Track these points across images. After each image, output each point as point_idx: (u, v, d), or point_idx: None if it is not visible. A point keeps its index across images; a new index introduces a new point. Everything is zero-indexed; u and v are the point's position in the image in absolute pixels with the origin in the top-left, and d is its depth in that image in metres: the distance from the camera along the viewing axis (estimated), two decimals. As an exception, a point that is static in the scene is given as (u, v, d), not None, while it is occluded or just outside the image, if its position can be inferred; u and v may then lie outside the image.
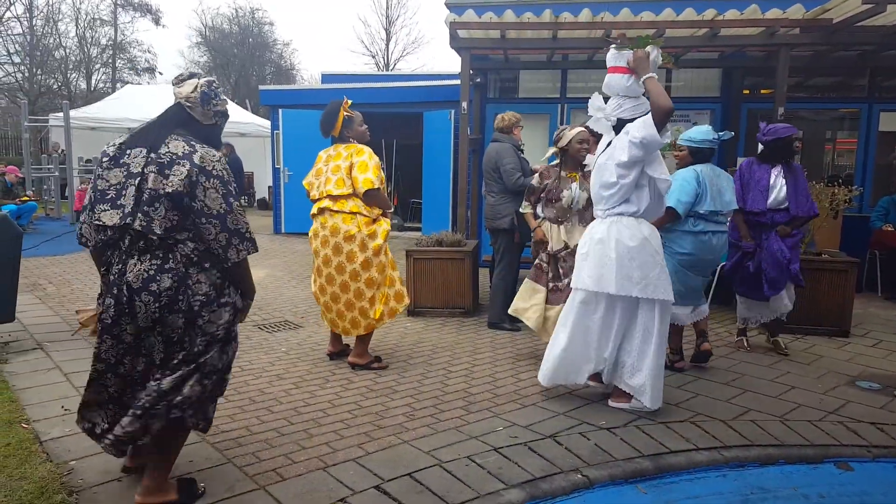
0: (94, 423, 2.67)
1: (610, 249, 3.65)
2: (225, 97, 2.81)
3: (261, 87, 13.86)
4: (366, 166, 4.28)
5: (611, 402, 3.91)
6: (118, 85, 30.27)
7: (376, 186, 4.28)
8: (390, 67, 32.25)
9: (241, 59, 34.82)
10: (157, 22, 33.53)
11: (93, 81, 31.87)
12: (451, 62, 54.88)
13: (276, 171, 12.22)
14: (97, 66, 32.23)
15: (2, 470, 2.92)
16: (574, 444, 3.36)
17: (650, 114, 3.49)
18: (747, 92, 8.51)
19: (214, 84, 2.73)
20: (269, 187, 15.56)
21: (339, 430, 3.48)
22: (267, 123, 17.48)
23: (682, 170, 4.65)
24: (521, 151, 5.74)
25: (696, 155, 4.64)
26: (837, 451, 3.42)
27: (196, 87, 2.68)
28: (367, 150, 4.41)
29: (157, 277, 2.46)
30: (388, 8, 32.80)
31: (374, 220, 4.39)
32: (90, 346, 4.87)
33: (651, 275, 3.64)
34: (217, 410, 3.64)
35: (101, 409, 2.66)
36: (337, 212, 4.30)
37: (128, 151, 2.54)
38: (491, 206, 5.69)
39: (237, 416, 3.65)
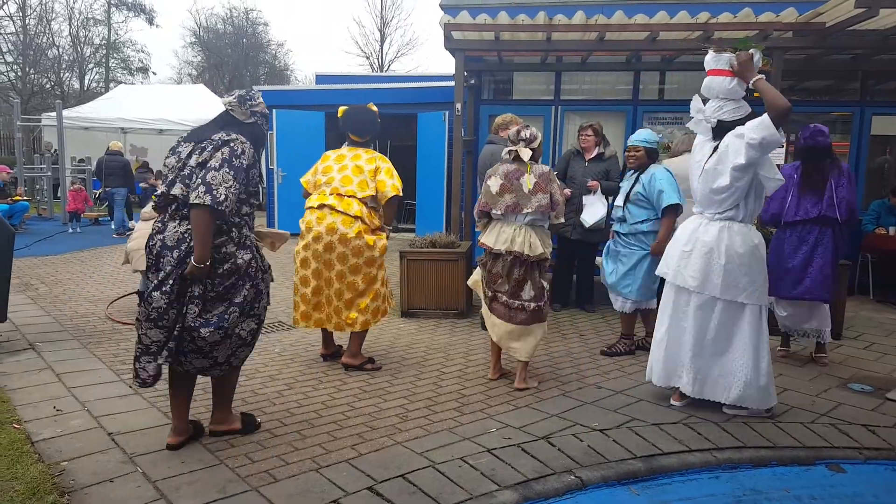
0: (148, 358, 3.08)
1: (720, 256, 3.68)
2: (262, 100, 3.30)
3: (255, 88, 13.84)
4: (392, 173, 4.42)
5: (674, 401, 4.00)
6: (111, 85, 30.19)
7: (401, 195, 4.43)
8: (385, 69, 32.25)
9: (235, 59, 34.76)
10: (150, 22, 33.47)
11: (86, 81, 31.79)
12: (445, 64, 54.94)
13: (269, 172, 12.21)
14: (90, 65, 32.16)
15: (-8, 471, 2.90)
16: (567, 445, 3.37)
17: (766, 114, 3.48)
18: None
19: (252, 91, 3.30)
20: (263, 188, 15.55)
21: (332, 431, 3.47)
22: (260, 124, 17.49)
23: (659, 169, 4.85)
24: None
25: (651, 155, 4.92)
26: (829, 453, 3.43)
27: (236, 94, 3.26)
28: (388, 159, 4.52)
29: (186, 239, 2.97)
30: (382, 9, 32.83)
31: (374, 231, 4.39)
32: (82, 347, 4.87)
33: (758, 281, 3.73)
34: (208, 411, 3.65)
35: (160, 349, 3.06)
36: (340, 212, 4.28)
37: (183, 144, 3.16)
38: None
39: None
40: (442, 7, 8.41)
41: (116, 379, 4.22)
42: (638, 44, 7.01)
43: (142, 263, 5.90)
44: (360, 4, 62.77)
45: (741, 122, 3.66)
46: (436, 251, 6.15)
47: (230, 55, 34.70)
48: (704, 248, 3.73)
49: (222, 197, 2.91)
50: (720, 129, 3.73)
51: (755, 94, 3.64)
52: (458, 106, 6.81)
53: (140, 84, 30.56)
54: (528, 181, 4.10)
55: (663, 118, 8.73)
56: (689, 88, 8.76)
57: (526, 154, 4.15)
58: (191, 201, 2.90)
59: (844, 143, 8.52)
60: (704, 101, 3.87)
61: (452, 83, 7.19)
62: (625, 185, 5.09)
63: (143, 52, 33.96)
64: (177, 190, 2.99)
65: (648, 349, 5.05)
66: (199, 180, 2.92)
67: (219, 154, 2.99)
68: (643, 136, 4.95)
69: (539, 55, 8.02)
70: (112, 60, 32.90)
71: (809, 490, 3.15)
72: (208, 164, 2.96)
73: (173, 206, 3.05)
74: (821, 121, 9.04)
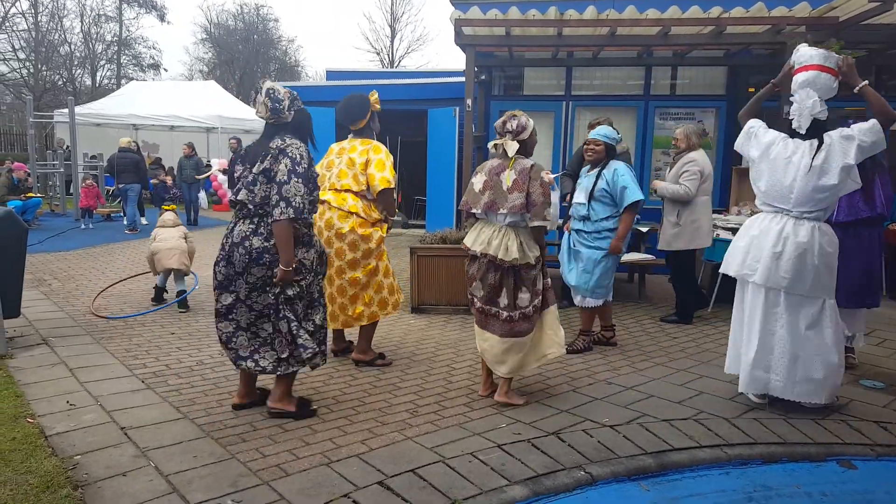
0: (236, 350, 3.52)
1: (813, 256, 3.69)
2: (284, 91, 3.46)
3: (266, 83, 13.87)
4: (383, 164, 4.29)
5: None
6: (123, 81, 30.36)
7: (392, 186, 4.31)
8: (395, 64, 32.27)
9: (246, 55, 34.89)
10: (162, 18, 33.66)
11: (97, 78, 31.99)
12: (455, 59, 54.79)
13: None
14: (102, 62, 32.36)
15: (7, 464, 2.94)
16: (577, 441, 3.37)
17: (875, 119, 3.60)
18: (752, 90, 8.48)
19: (273, 92, 3.40)
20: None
21: (343, 426, 3.49)
22: (271, 120, 17.51)
23: (620, 165, 4.90)
24: None
25: (610, 152, 4.97)
26: (841, 450, 3.42)
27: (268, 105, 3.38)
28: (383, 148, 4.42)
29: (250, 238, 3.31)
30: (392, 4, 32.88)
31: (373, 224, 4.34)
32: (95, 342, 4.92)
33: (834, 280, 3.79)
34: (220, 406, 3.70)
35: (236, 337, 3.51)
36: (335, 208, 4.27)
37: (243, 159, 3.49)
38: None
39: (241, 412, 3.66)
40: (452, 2, 8.41)
41: (129, 374, 4.26)
42: (649, 39, 6.97)
43: (167, 263, 6.04)
44: (371, 0, 62.83)
45: (828, 122, 3.74)
46: (446, 247, 6.15)
47: (241, 51, 34.83)
48: (798, 248, 3.70)
49: (301, 206, 3.25)
50: (813, 127, 3.73)
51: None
52: (469, 102, 6.80)
53: (151, 81, 30.71)
54: (507, 178, 3.74)
55: (675, 113, 8.69)
56: (701, 83, 8.73)
57: (512, 148, 3.75)
58: (274, 218, 3.23)
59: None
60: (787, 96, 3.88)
61: (463, 79, 7.19)
62: (585, 182, 5.00)
63: (154, 48, 34.34)
64: (242, 195, 3.35)
65: (606, 343, 5.17)
66: (276, 196, 3.24)
67: (282, 166, 3.26)
68: (604, 132, 5.00)
69: (550, 50, 8.00)
70: (123, 57, 33.11)
71: (820, 486, 3.13)
72: (277, 179, 3.25)
73: (239, 209, 3.42)
74: (834, 116, 9.02)
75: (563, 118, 8.71)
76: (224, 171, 13.67)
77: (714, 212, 7.96)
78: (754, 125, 3.98)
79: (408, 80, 12.88)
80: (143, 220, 12.57)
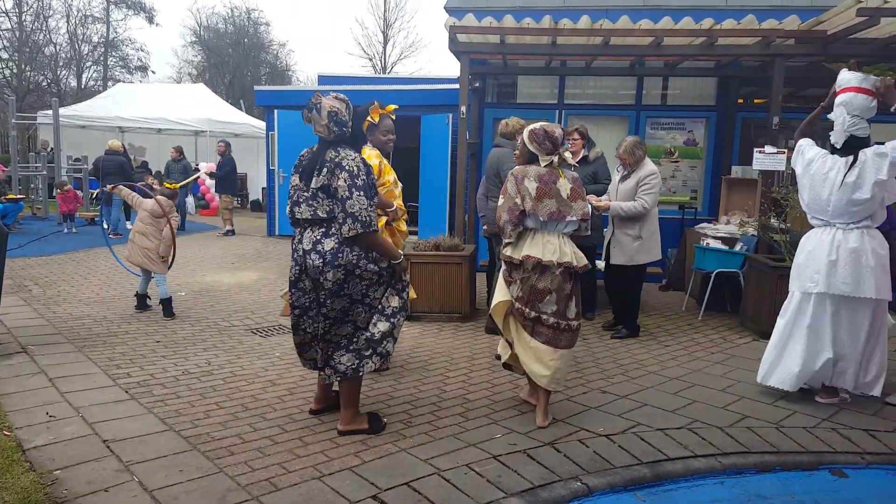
0: (313, 358, 3.51)
1: (868, 258, 3.97)
2: (343, 107, 3.34)
3: (256, 88, 13.80)
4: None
5: (820, 399, 4.23)
6: (109, 83, 30.10)
7: None
8: (388, 70, 32.25)
9: (236, 59, 34.75)
10: (150, 20, 33.46)
11: (83, 79, 31.70)
12: (448, 66, 54.89)
13: (270, 173, 12.16)
14: (88, 63, 32.09)
15: (-13, 476, 2.85)
16: (573, 451, 3.34)
17: None
18: (741, 101, 8.55)
19: (335, 114, 3.30)
20: (263, 189, 15.49)
21: (335, 437, 3.43)
22: (261, 124, 17.42)
23: None
24: None
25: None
26: (832, 458, 3.44)
27: (324, 126, 3.32)
28: (370, 154, 4.34)
29: (322, 241, 3.27)
30: (385, 10, 32.82)
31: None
32: (77, 350, 4.82)
33: (888, 279, 4.07)
34: (207, 417, 3.62)
35: (310, 347, 3.50)
36: None
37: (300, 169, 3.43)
38: (492, 210, 5.65)
39: (229, 423, 3.59)
40: (447, 9, 8.39)
41: (112, 383, 4.16)
42: (642, 49, 7.00)
43: (133, 259, 5.98)
44: (363, 5, 62.95)
45: (867, 139, 4.04)
46: (440, 254, 6.11)
47: (231, 55, 34.68)
48: (852, 253, 3.99)
49: (368, 219, 3.23)
50: (850, 144, 4.03)
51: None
52: (463, 109, 6.79)
53: (139, 83, 30.47)
54: (564, 186, 3.73)
55: (666, 123, 8.75)
56: (691, 94, 8.80)
57: (569, 157, 3.87)
58: (345, 236, 3.23)
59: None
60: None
61: (456, 86, 7.18)
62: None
63: (142, 50, 33.96)
64: (305, 212, 3.32)
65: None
66: (342, 214, 3.21)
67: (341, 182, 3.20)
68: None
69: (544, 59, 8.02)
70: (110, 59, 32.86)
71: (813, 495, 3.16)
72: (339, 196, 3.20)
73: (304, 223, 3.37)
74: (819, 128, 9.07)
75: (555, 126, 8.70)
76: (212, 175, 13.55)
77: (703, 220, 8.03)
78: (803, 144, 4.33)
79: (401, 85, 12.83)
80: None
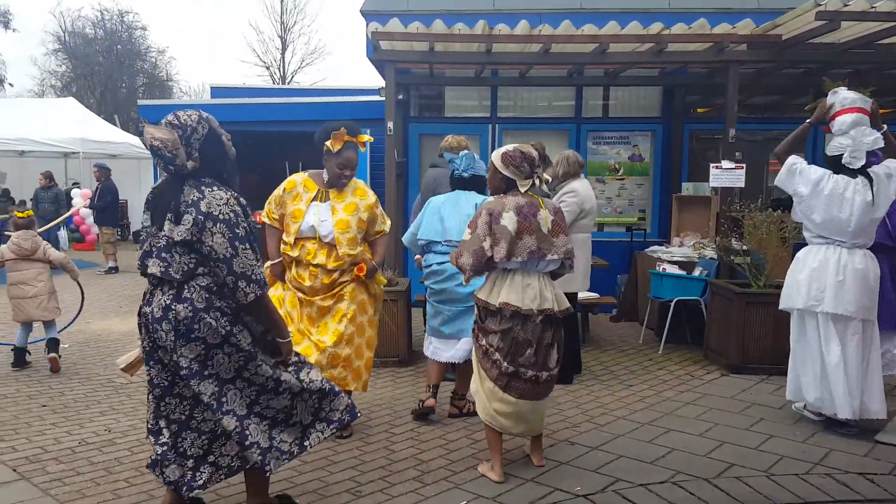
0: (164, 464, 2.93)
1: (871, 280, 4.36)
2: (169, 135, 2.79)
3: (140, 102, 13.32)
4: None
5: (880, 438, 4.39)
6: (-46, 98, 28.30)
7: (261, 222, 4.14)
8: (287, 80, 31.91)
9: (108, 68, 33.63)
10: (6, 25, 31.84)
11: (-79, 94, 29.70)
12: (356, 76, 55.02)
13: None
14: (-75, 74, 30.11)
15: None
16: (551, 518, 3.25)
17: None
18: (702, 110, 8.82)
19: (156, 146, 2.78)
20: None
21: (271, 518, 3.21)
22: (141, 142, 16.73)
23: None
24: None
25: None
26: (833, 510, 3.46)
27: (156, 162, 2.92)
28: (289, 180, 4.22)
29: (174, 307, 2.77)
30: (283, 13, 32.52)
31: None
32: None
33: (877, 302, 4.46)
34: (117, 499, 3.31)
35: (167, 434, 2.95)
36: None
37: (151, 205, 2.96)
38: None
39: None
40: (364, 13, 8.32)
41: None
42: (585, 56, 7.13)
43: (32, 313, 5.78)
44: (258, 7, 62.19)
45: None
46: (370, 291, 5.94)
47: (102, 64, 33.48)
48: (858, 274, 4.32)
49: (262, 277, 2.87)
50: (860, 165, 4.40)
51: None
52: (390, 125, 6.70)
53: (-8, 97, 28.83)
54: (545, 219, 3.59)
55: (609, 137, 8.93)
56: (634, 105, 9.05)
57: (548, 178, 3.80)
58: (246, 303, 2.80)
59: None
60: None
61: (369, 98, 7.11)
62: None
63: (-4, 60, 32.23)
64: (154, 268, 2.83)
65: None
66: (230, 278, 2.75)
67: (217, 239, 2.74)
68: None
69: (474, 68, 8.05)
70: (-43, 69, 30.99)
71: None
72: (218, 255, 2.74)
73: (153, 279, 2.91)
74: (762, 138, 9.50)
75: (489, 142, 8.75)
76: (89, 205, 12.91)
77: (654, 243, 8.22)
78: (796, 162, 4.54)
79: (305, 98, 12.62)
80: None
